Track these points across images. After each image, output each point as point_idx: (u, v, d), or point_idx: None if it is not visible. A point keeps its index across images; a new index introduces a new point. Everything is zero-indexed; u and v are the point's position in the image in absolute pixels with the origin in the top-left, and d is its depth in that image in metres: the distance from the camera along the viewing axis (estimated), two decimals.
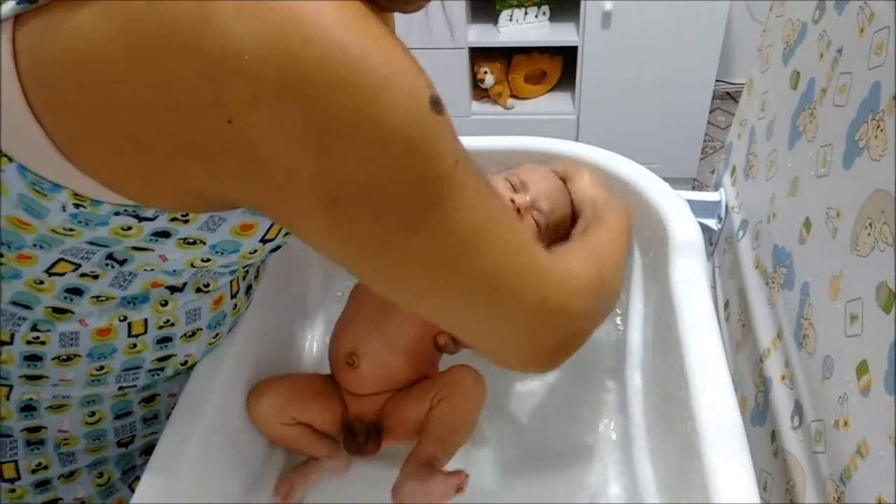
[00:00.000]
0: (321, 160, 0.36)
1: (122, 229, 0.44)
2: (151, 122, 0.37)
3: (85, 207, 0.42)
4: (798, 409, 0.62)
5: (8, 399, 0.54)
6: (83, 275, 0.49)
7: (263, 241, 0.50)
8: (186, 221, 0.45)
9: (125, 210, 0.43)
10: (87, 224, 0.43)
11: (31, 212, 0.43)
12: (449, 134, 0.40)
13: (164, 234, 0.46)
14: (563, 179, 0.73)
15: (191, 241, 0.47)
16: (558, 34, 1.97)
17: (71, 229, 0.44)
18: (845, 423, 0.52)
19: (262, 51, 0.34)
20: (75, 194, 0.41)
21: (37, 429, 0.57)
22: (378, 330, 0.70)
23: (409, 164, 0.38)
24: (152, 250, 0.47)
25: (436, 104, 0.38)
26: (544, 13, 2.00)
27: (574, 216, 0.72)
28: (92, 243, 0.46)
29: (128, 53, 0.35)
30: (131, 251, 0.47)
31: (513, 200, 0.69)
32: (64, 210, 0.42)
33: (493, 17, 2.00)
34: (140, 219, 0.43)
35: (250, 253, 0.51)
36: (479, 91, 2.11)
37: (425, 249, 0.41)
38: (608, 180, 0.75)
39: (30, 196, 0.42)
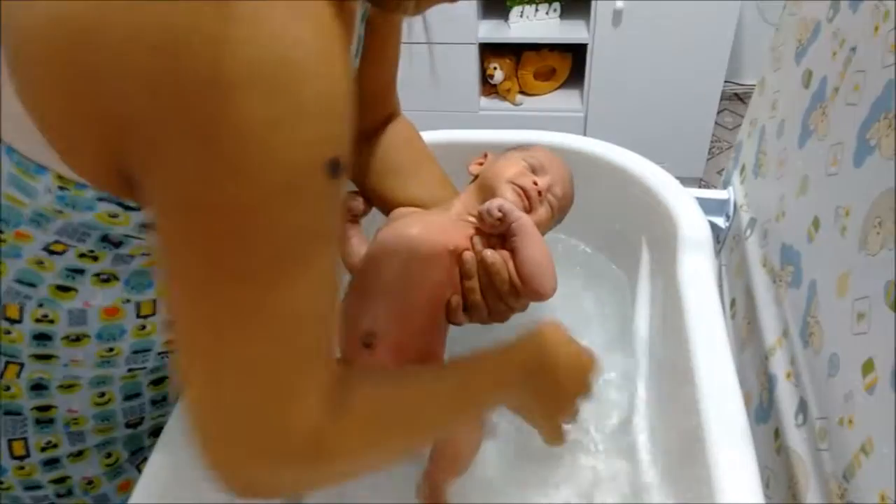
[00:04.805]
0: (206, 161, 0.35)
1: (110, 216, 0.44)
2: (98, 93, 0.36)
3: (69, 190, 0.42)
4: (803, 407, 0.62)
5: (18, 377, 0.55)
6: (82, 255, 0.49)
7: None
8: None
9: (108, 196, 0.42)
10: (73, 207, 0.43)
11: (22, 190, 0.43)
12: (329, 203, 0.38)
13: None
14: None
15: None
16: (568, 31, 1.97)
17: (60, 211, 0.44)
18: (850, 421, 0.52)
19: (196, 34, 0.32)
20: (59, 177, 0.41)
21: (47, 407, 0.58)
22: (396, 304, 0.64)
23: (277, 205, 0.36)
24: (143, 238, 0.47)
25: (334, 167, 0.37)
26: (555, 10, 2.00)
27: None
28: (85, 225, 0.46)
29: (93, 22, 0.34)
30: (125, 237, 0.48)
31: (535, 183, 0.69)
32: (50, 192, 0.42)
33: (503, 13, 2.00)
34: (125, 207, 0.43)
35: None
36: (488, 87, 2.11)
37: (245, 302, 0.38)
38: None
39: (18, 176, 0.42)
